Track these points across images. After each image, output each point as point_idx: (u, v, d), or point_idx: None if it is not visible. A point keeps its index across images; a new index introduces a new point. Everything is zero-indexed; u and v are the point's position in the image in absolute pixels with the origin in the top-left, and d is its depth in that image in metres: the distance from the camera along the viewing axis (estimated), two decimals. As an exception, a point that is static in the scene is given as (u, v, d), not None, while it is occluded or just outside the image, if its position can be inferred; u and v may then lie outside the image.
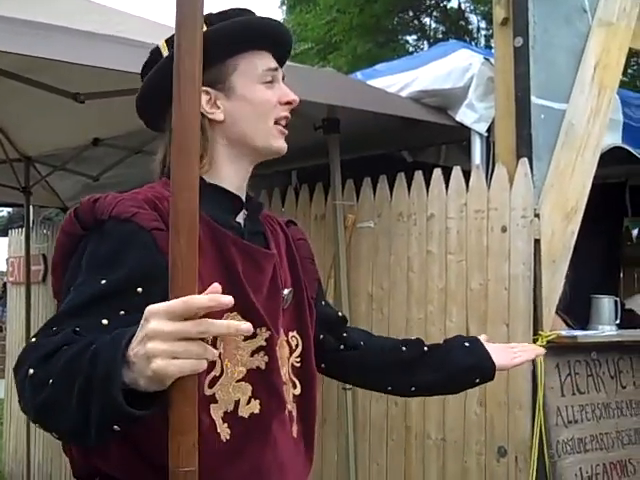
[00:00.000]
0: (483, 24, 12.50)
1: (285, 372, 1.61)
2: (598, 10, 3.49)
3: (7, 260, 7.24)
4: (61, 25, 2.69)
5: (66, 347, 1.23)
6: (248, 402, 1.51)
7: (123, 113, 3.96)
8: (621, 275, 6.07)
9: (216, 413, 1.46)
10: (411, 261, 3.57)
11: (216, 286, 1.13)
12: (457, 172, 3.43)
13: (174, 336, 1.10)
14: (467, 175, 3.39)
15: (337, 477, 3.86)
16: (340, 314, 1.93)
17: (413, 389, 1.99)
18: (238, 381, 1.50)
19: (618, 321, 3.90)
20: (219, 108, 1.57)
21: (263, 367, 1.53)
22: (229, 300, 1.10)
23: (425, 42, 12.63)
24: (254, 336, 1.51)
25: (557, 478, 3.17)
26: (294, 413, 1.63)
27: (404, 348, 1.92)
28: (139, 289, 1.37)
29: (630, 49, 3.65)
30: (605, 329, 3.82)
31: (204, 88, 1.51)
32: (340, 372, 1.99)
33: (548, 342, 3.15)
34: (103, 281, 1.37)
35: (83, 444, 1.32)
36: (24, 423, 6.16)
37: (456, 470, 3.36)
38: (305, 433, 1.67)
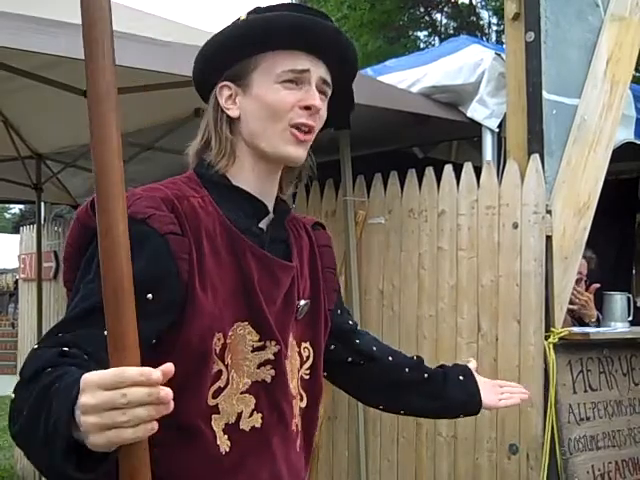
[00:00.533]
0: (494, 20, 12.47)
1: (295, 385, 1.58)
2: (610, 4, 3.47)
3: (19, 257, 7.27)
4: (73, 22, 2.69)
5: (48, 370, 1.18)
6: (250, 415, 1.48)
7: (134, 110, 3.98)
8: (634, 272, 6.05)
9: (217, 424, 1.43)
10: (422, 257, 3.56)
11: (169, 366, 1.06)
12: (468, 168, 3.41)
13: (101, 408, 1.04)
14: (478, 171, 3.37)
15: (348, 473, 3.86)
16: (351, 322, 1.88)
17: (402, 412, 2.00)
18: (242, 393, 1.47)
19: (630, 318, 3.88)
20: (236, 104, 1.52)
21: (269, 380, 1.50)
22: (157, 377, 1.04)
23: (436, 38, 12.59)
24: (263, 348, 1.48)
25: (569, 476, 3.16)
26: (299, 426, 1.60)
27: (407, 370, 1.91)
28: (149, 295, 1.33)
29: (643, 44, 3.63)
30: (617, 326, 3.81)
31: (225, 83, 1.51)
32: (339, 381, 1.96)
33: (560, 339, 3.14)
34: None
35: None
36: (36, 419, 6.17)
37: (467, 467, 3.36)
38: (306, 446, 1.65)
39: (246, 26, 1.50)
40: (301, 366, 1.61)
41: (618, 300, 3.91)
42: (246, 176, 1.52)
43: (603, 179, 3.37)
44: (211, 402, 1.42)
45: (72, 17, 2.76)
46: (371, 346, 1.90)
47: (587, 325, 3.88)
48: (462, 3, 12.33)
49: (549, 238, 3.17)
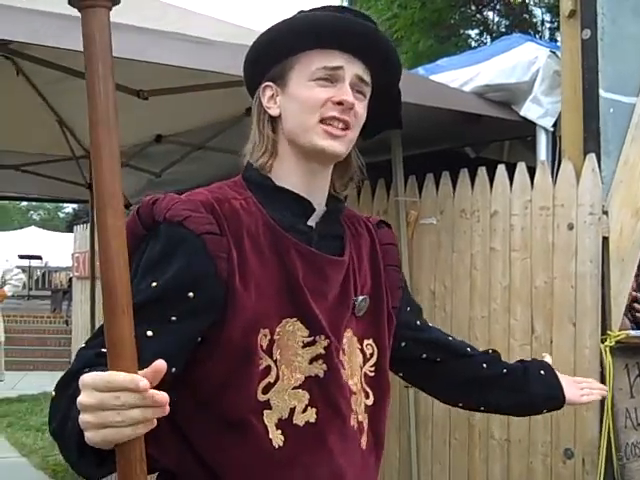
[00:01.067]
0: (547, 17, 12.32)
1: (356, 381, 1.58)
2: (669, 0, 3.39)
3: (72, 255, 7.38)
4: (125, 23, 2.70)
5: (85, 371, 1.20)
6: (304, 410, 1.48)
7: (185, 109, 4.01)
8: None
9: (270, 419, 1.44)
10: (474, 258, 3.52)
11: (160, 363, 1.10)
12: (522, 168, 3.37)
13: (95, 408, 1.09)
14: (532, 171, 3.32)
15: (399, 476, 3.83)
16: (421, 319, 1.86)
17: (482, 408, 1.99)
18: (295, 388, 1.48)
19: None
20: (276, 103, 1.56)
21: (322, 375, 1.51)
22: (144, 385, 1.08)
23: (488, 36, 12.48)
24: (313, 343, 1.50)
25: (625, 481, 3.10)
26: (364, 424, 1.60)
27: (484, 365, 1.89)
28: (190, 294, 1.38)
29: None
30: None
31: (267, 83, 1.56)
32: (415, 380, 1.98)
33: (617, 342, 3.08)
34: (153, 284, 1.38)
35: None
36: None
37: (521, 471, 3.31)
38: (376, 444, 1.64)
39: (282, 28, 1.55)
40: (364, 363, 1.61)
41: (676, 302, 3.82)
42: (290, 175, 1.55)
43: (662, 179, 3.30)
44: (261, 397, 1.43)
45: (122, 18, 2.79)
46: (445, 342, 1.89)
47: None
48: (514, 1, 12.19)
49: (605, 239, 3.11)
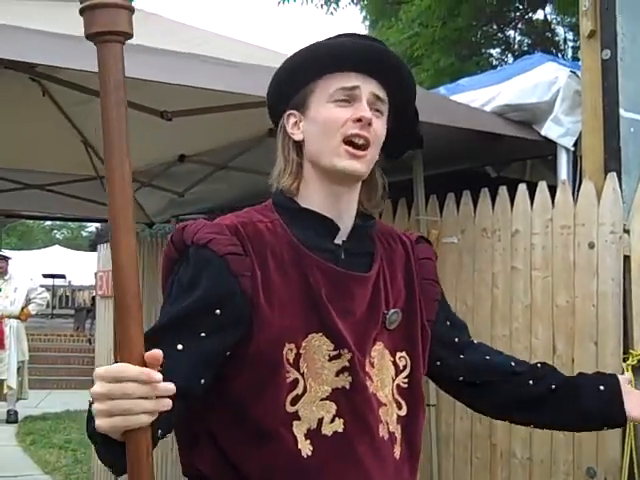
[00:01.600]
0: (570, 35, 12.31)
1: (387, 393, 1.63)
2: (689, 20, 3.40)
3: (96, 274, 7.42)
4: (149, 46, 2.75)
5: None
6: (332, 420, 1.54)
7: (208, 130, 4.05)
8: None
9: (299, 430, 1.51)
10: (495, 277, 3.52)
11: (156, 352, 1.25)
12: (542, 187, 3.37)
13: (105, 396, 1.23)
14: (553, 191, 3.33)
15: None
16: (457, 340, 1.87)
17: (532, 425, 2.00)
18: (322, 399, 1.54)
19: None
20: (299, 129, 1.64)
21: (347, 387, 1.56)
22: (158, 377, 1.23)
23: (509, 55, 12.49)
24: (338, 357, 1.56)
25: (649, 501, 3.08)
26: (397, 434, 1.64)
27: (531, 382, 1.87)
28: (217, 311, 1.49)
29: None
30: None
31: (291, 111, 1.65)
32: (457, 398, 2.00)
33: (639, 361, 3.07)
34: (183, 303, 1.50)
35: None
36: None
37: (543, 491, 3.29)
38: (410, 455, 1.67)
39: (299, 57, 1.65)
40: (397, 375, 1.66)
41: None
42: (314, 197, 1.63)
43: (683, 198, 3.29)
44: (290, 409, 1.51)
45: (145, 40, 2.83)
46: (484, 364, 1.87)
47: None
48: (537, 19, 12.20)
49: (627, 258, 3.10)
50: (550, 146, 3.52)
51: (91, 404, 1.30)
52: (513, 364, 1.90)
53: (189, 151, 4.64)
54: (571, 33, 12.06)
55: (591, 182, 3.18)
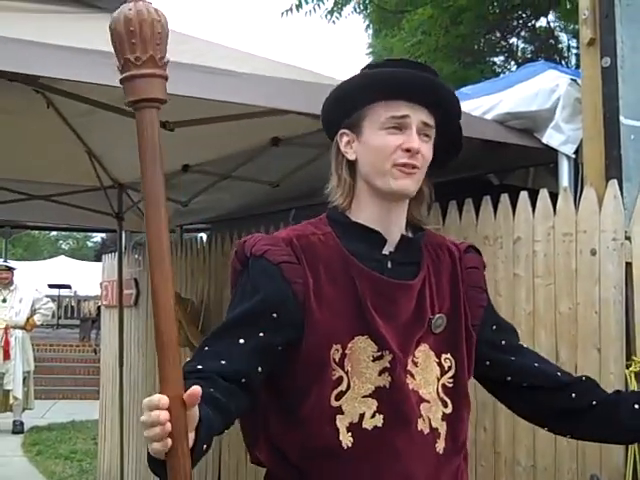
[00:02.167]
0: (574, 43, 12.31)
1: (431, 391, 1.77)
2: (689, 27, 3.41)
3: (101, 284, 7.44)
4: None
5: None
6: (373, 416, 1.69)
7: (211, 140, 4.07)
8: None
9: (342, 423, 1.68)
10: (498, 285, 3.53)
11: (196, 389, 1.38)
12: (544, 194, 3.38)
13: (145, 425, 1.38)
14: (554, 198, 3.34)
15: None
16: (504, 342, 1.99)
17: (569, 436, 2.12)
18: (364, 396, 1.70)
19: None
20: (352, 149, 1.79)
21: (387, 386, 1.71)
22: (162, 403, 1.36)
23: (513, 62, 12.50)
24: (381, 357, 1.71)
25: (652, 508, 3.07)
26: (441, 430, 1.76)
27: (573, 396, 1.95)
28: (274, 314, 1.68)
29: None
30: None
31: (344, 130, 1.80)
32: (502, 399, 2.11)
33: (641, 368, 3.08)
34: (243, 307, 1.70)
35: None
36: (118, 443, 6.29)
37: (547, 498, 3.29)
38: (455, 450, 1.79)
39: (353, 83, 1.80)
40: (442, 375, 1.80)
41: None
42: (366, 211, 1.79)
43: (684, 204, 3.30)
44: (334, 403, 1.68)
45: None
46: (532, 370, 1.99)
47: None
48: (540, 27, 12.21)
49: (629, 265, 3.10)
50: (551, 154, 3.52)
51: None
52: (559, 374, 2.02)
53: (192, 161, 4.66)
54: (574, 40, 12.05)
55: (592, 189, 3.19)
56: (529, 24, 12.02)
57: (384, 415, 1.69)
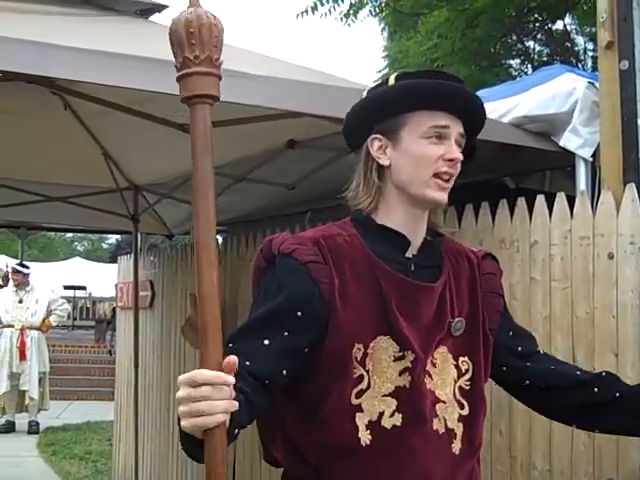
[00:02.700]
0: (590, 45, 12.27)
1: (448, 392, 1.79)
2: None
3: (116, 286, 7.46)
4: (168, 60, 2.77)
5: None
6: (392, 415, 1.71)
7: (227, 142, 4.06)
8: None
9: (361, 421, 1.70)
10: (514, 288, 3.51)
11: (232, 358, 1.40)
12: (561, 198, 3.37)
13: (184, 399, 1.39)
14: (572, 201, 3.32)
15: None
16: (520, 348, 2.00)
17: (596, 430, 2.11)
18: (384, 395, 1.71)
19: None
20: (386, 154, 1.80)
21: (407, 386, 1.73)
22: (232, 380, 1.40)
23: (529, 65, 12.46)
24: (402, 357, 1.73)
25: (669, 513, 3.05)
26: (457, 431, 1.78)
27: (596, 390, 1.96)
28: (299, 313, 1.69)
29: None
30: None
31: (377, 135, 1.81)
32: (524, 401, 2.13)
33: (658, 372, 3.06)
34: (269, 305, 1.71)
35: None
36: (133, 444, 6.30)
37: (563, 502, 3.28)
38: (470, 451, 1.81)
39: (394, 90, 1.80)
40: (459, 377, 1.82)
41: None
42: (393, 216, 1.81)
43: (703, 208, 3.28)
44: (354, 401, 1.70)
45: (163, 54, 2.86)
46: (550, 372, 2.00)
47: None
48: (556, 30, 12.17)
49: (646, 268, 3.09)
50: (569, 157, 3.51)
51: None
52: (578, 373, 2.04)
53: (208, 163, 4.66)
54: (591, 43, 12.02)
55: (610, 193, 3.17)
56: (545, 27, 11.98)
57: (403, 414, 1.71)
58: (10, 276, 10.41)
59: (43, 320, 10.00)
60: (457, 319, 1.82)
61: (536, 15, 11.39)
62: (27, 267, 10.55)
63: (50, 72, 2.60)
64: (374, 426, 1.70)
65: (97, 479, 7.64)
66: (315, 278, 1.70)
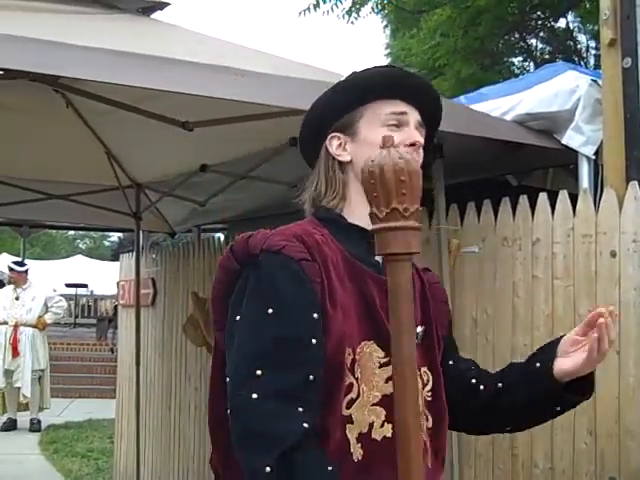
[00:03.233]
0: (592, 43, 12.26)
1: (420, 404, 1.67)
2: None
3: (118, 284, 7.46)
4: (170, 57, 2.77)
5: (302, 452, 1.44)
6: (382, 425, 1.60)
7: (230, 140, 4.07)
8: None
9: (351, 433, 1.57)
10: (516, 286, 3.52)
11: None
12: (564, 196, 3.36)
13: None
14: (574, 199, 3.32)
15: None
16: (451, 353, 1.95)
17: (508, 428, 2.01)
18: (373, 405, 1.60)
19: None
20: (346, 151, 1.73)
21: None
22: None
23: (531, 63, 12.45)
24: (389, 364, 1.57)
25: (671, 512, 3.05)
26: (428, 444, 1.70)
27: (482, 387, 1.88)
28: (315, 315, 1.54)
29: None
30: None
31: (335, 134, 1.75)
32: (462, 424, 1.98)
33: (661, 371, 3.05)
34: (270, 310, 1.52)
35: None
36: (134, 442, 6.30)
37: (565, 501, 3.28)
38: (438, 464, 1.74)
39: (349, 84, 1.75)
40: (423, 388, 1.72)
41: None
42: (359, 214, 1.69)
43: None
44: (345, 412, 1.57)
45: (165, 52, 2.86)
46: (469, 366, 1.96)
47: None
48: (558, 27, 12.16)
49: (649, 267, 3.09)
50: (571, 155, 3.50)
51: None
52: (473, 379, 1.91)
53: (210, 161, 4.66)
54: (593, 41, 12.01)
55: (612, 191, 3.17)
56: (548, 25, 11.97)
57: (393, 425, 1.56)
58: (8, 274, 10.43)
59: (39, 317, 9.98)
60: (419, 328, 1.74)
61: (539, 13, 11.38)
62: (23, 265, 10.54)
63: (52, 70, 2.60)
64: (365, 439, 1.58)
65: (99, 477, 7.65)
66: (309, 277, 1.56)
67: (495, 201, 3.64)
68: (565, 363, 1.77)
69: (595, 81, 3.49)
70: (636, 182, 3.11)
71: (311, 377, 1.50)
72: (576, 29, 12.24)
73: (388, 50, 14.24)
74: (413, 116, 1.72)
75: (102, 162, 4.87)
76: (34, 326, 9.90)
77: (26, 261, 11.62)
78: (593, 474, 3.19)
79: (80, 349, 14.65)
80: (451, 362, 1.90)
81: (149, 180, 5.44)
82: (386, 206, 1.37)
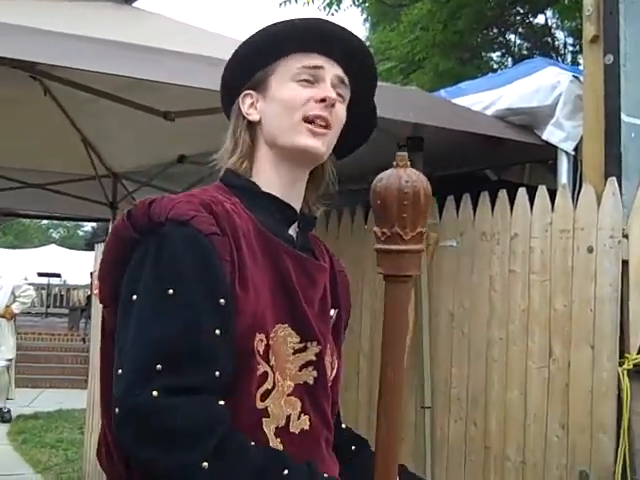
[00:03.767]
0: (570, 40, 12.32)
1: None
2: (691, 26, 3.40)
3: (91, 273, 7.42)
4: (151, 46, 2.75)
5: (244, 444, 1.32)
6: (298, 417, 1.46)
7: (209, 130, 4.02)
8: None
9: (268, 428, 1.42)
10: (493, 280, 3.53)
11: None
12: (542, 191, 3.38)
13: None
14: (553, 194, 3.33)
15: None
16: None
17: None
18: (288, 395, 1.45)
19: None
20: (256, 110, 1.55)
21: (311, 382, 1.49)
22: None
23: (509, 59, 12.49)
24: (304, 349, 1.47)
25: (642, 505, 3.08)
26: (327, 434, 1.57)
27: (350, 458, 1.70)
28: (221, 300, 1.35)
29: None
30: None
31: (248, 91, 1.57)
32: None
33: (635, 365, 3.08)
34: (170, 291, 1.32)
35: None
36: (106, 433, 6.26)
37: (537, 494, 3.30)
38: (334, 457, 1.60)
39: (260, 37, 1.56)
40: (330, 375, 1.58)
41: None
42: (271, 181, 1.53)
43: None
44: (260, 405, 1.40)
45: (147, 40, 2.84)
46: None
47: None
48: (537, 24, 12.20)
49: (625, 263, 3.11)
50: (551, 150, 3.52)
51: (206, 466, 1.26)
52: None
53: (189, 152, 4.64)
54: (571, 38, 12.08)
55: (591, 187, 3.19)
56: (526, 21, 12.02)
57: (309, 416, 1.47)
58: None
59: (6, 307, 9.85)
60: (333, 311, 1.61)
61: (518, 8, 11.42)
62: None
63: (28, 56, 2.56)
64: (283, 433, 1.43)
65: (68, 467, 7.58)
66: (219, 254, 1.35)
67: (474, 195, 3.65)
68: None
69: (576, 77, 3.50)
70: (614, 178, 3.13)
71: (217, 373, 1.32)
72: (554, 25, 12.29)
73: (368, 43, 14.22)
74: (331, 72, 1.53)
75: (79, 151, 4.84)
76: (1, 316, 9.78)
77: (-3, 250, 11.48)
78: (564, 467, 3.21)
79: (51, 339, 14.55)
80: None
81: (126, 170, 5.41)
82: (388, 228, 1.31)
